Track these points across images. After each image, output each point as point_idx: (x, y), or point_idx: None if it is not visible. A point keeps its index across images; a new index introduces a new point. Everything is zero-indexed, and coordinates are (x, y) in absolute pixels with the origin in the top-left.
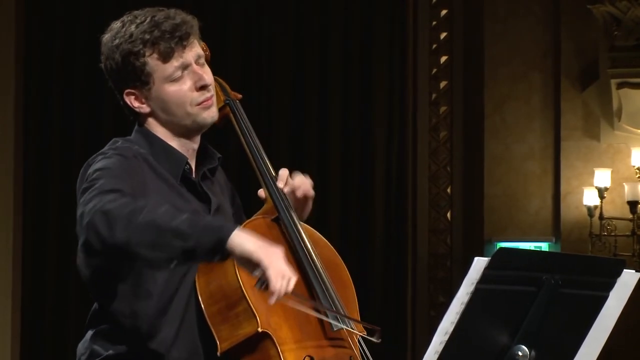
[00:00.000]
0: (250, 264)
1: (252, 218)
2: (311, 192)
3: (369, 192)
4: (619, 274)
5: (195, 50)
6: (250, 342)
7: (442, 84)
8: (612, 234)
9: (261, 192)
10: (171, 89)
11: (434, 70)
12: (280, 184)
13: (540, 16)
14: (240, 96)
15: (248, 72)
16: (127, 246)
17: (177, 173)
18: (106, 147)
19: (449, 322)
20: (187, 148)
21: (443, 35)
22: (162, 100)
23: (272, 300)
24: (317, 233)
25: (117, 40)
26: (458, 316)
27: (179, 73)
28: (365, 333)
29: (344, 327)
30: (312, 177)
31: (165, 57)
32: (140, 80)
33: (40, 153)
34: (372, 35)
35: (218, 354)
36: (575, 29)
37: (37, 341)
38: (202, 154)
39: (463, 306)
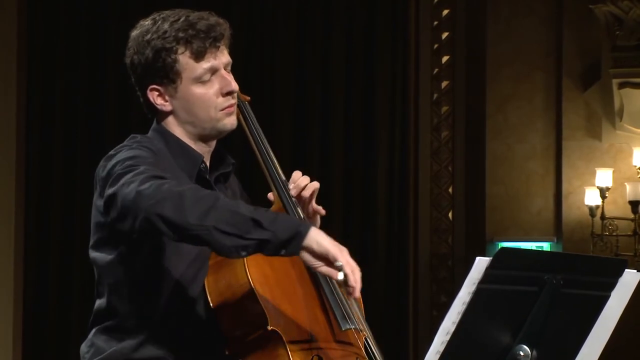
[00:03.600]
0: (327, 260)
1: None
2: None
3: (371, 192)
4: (620, 274)
5: (226, 56)
6: (259, 341)
7: (444, 84)
8: (614, 233)
9: (270, 195)
10: (198, 90)
11: (436, 70)
12: (292, 189)
13: (543, 16)
14: (249, 98)
15: (249, 72)
16: (202, 230)
17: (192, 172)
18: (127, 142)
19: (451, 322)
20: (202, 151)
21: (445, 35)
22: (186, 101)
23: (357, 294)
24: None
25: (148, 36)
26: (460, 316)
27: (207, 76)
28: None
29: (353, 327)
30: (313, 178)
31: (197, 56)
32: (168, 78)
33: (42, 153)
34: (374, 35)
35: (226, 352)
36: (578, 29)
37: (39, 342)
38: (216, 159)
39: (465, 306)
